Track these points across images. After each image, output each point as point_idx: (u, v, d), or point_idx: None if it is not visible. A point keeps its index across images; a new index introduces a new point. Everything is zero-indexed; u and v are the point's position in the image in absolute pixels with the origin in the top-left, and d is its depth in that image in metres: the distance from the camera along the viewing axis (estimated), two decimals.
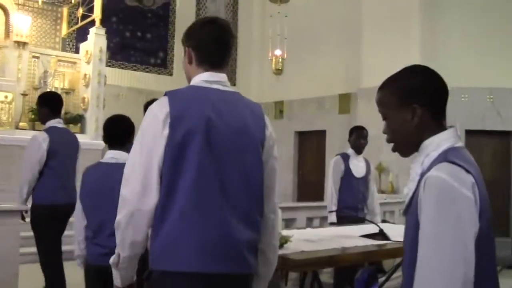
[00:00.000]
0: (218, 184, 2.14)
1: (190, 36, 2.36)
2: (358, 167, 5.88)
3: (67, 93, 11.17)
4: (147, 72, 13.51)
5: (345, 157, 5.88)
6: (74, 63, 11.46)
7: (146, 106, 3.89)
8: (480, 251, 1.64)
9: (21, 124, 10.32)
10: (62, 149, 5.22)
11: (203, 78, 2.30)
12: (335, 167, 5.88)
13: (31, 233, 7.11)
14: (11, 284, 4.77)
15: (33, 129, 10.38)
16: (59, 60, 11.26)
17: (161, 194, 2.12)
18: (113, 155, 3.54)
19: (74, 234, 3.60)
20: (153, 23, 13.79)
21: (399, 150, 1.97)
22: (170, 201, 2.11)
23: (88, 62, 11.14)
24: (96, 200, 3.42)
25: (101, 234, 3.35)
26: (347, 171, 5.81)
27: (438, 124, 1.85)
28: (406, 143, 1.91)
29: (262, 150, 2.30)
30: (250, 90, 15.06)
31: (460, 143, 1.83)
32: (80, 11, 11.67)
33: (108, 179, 3.34)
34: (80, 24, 11.69)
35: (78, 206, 3.51)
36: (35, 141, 5.13)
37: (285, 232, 3.51)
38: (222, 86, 2.31)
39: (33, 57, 10.95)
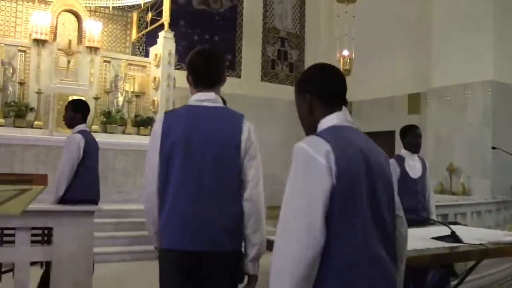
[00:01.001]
0: (197, 182, 2.76)
1: (188, 65, 3.01)
2: (414, 167, 5.70)
3: (137, 96, 11.42)
4: None
5: (400, 159, 5.71)
6: (144, 66, 11.70)
7: None
8: (337, 211, 1.93)
9: (93, 127, 10.59)
10: (92, 150, 5.69)
11: (196, 97, 2.95)
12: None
13: (104, 234, 7.32)
14: (86, 283, 4.89)
15: (105, 131, 10.66)
16: (129, 64, 11.52)
17: (159, 193, 2.82)
18: None
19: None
20: (221, 26, 13.90)
21: (307, 133, 2.29)
22: (164, 198, 2.81)
23: (157, 66, 11.35)
24: None
25: None
26: (403, 173, 5.64)
27: (330, 109, 2.24)
28: (308, 126, 2.31)
29: (239, 152, 2.84)
30: None
31: (346, 123, 2.21)
32: (149, 15, 11.91)
33: None
34: (149, 28, 11.92)
35: None
36: (74, 141, 5.52)
37: None
38: (210, 103, 2.92)
39: (105, 61, 11.25)
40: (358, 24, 12.40)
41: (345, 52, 11.96)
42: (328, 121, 2.20)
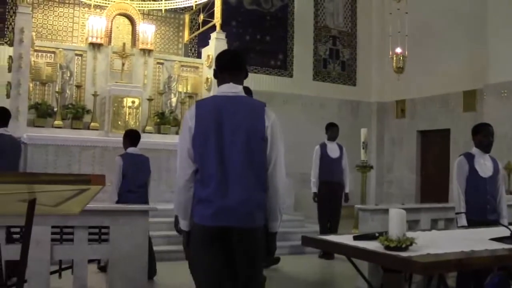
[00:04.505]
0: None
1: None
2: (484, 166, 5.54)
3: (190, 97, 11.55)
4: (267, 74, 13.66)
5: (469, 157, 5.56)
6: (196, 67, 11.83)
7: None
8: (196, 150, 3.12)
9: (147, 128, 10.79)
10: (7, 150, 6.42)
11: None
12: (458, 168, 5.59)
13: (159, 233, 7.44)
14: (140, 280, 4.98)
15: (159, 132, 10.83)
16: (182, 65, 11.68)
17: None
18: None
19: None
20: (272, 26, 13.92)
21: None
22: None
23: (209, 66, 11.45)
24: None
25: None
26: (472, 171, 5.49)
27: (221, 80, 3.29)
28: None
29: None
30: (371, 89, 14.82)
31: (222, 93, 3.24)
32: (201, 17, 12.03)
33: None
34: (201, 29, 12.04)
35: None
36: None
37: (409, 234, 3.38)
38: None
39: (158, 63, 11.44)
40: (410, 20, 12.23)
41: (398, 50, 11.81)
42: (217, 90, 3.33)
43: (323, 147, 8.95)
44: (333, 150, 8.90)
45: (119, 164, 6.72)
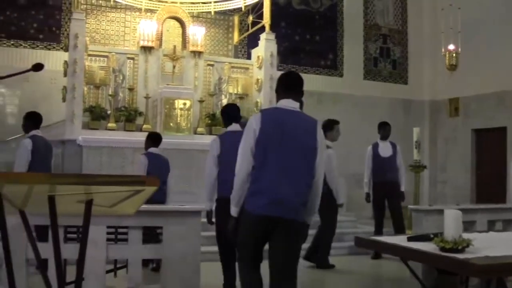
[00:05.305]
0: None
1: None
2: None
3: (240, 98, 11.60)
4: (317, 74, 13.56)
5: None
6: (247, 68, 11.87)
7: (223, 111, 6.22)
8: (258, 150, 3.74)
9: (199, 129, 10.88)
10: (41, 150, 6.87)
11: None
12: None
13: (210, 233, 7.49)
14: (193, 281, 5.03)
15: (210, 133, 10.90)
16: (232, 67, 11.73)
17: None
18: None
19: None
20: (321, 25, 13.83)
21: None
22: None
23: (259, 67, 11.48)
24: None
25: None
26: None
27: (282, 96, 3.95)
28: None
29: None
30: (423, 87, 14.56)
31: (283, 106, 3.88)
32: (250, 18, 12.06)
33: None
34: (250, 30, 12.07)
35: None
36: (23, 145, 6.79)
37: (465, 235, 3.30)
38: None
39: (208, 65, 11.53)
40: (464, 16, 11.96)
41: (451, 46, 11.57)
42: (277, 103, 4.00)
43: (375, 147, 9.00)
44: (385, 149, 8.91)
45: (144, 162, 7.08)
